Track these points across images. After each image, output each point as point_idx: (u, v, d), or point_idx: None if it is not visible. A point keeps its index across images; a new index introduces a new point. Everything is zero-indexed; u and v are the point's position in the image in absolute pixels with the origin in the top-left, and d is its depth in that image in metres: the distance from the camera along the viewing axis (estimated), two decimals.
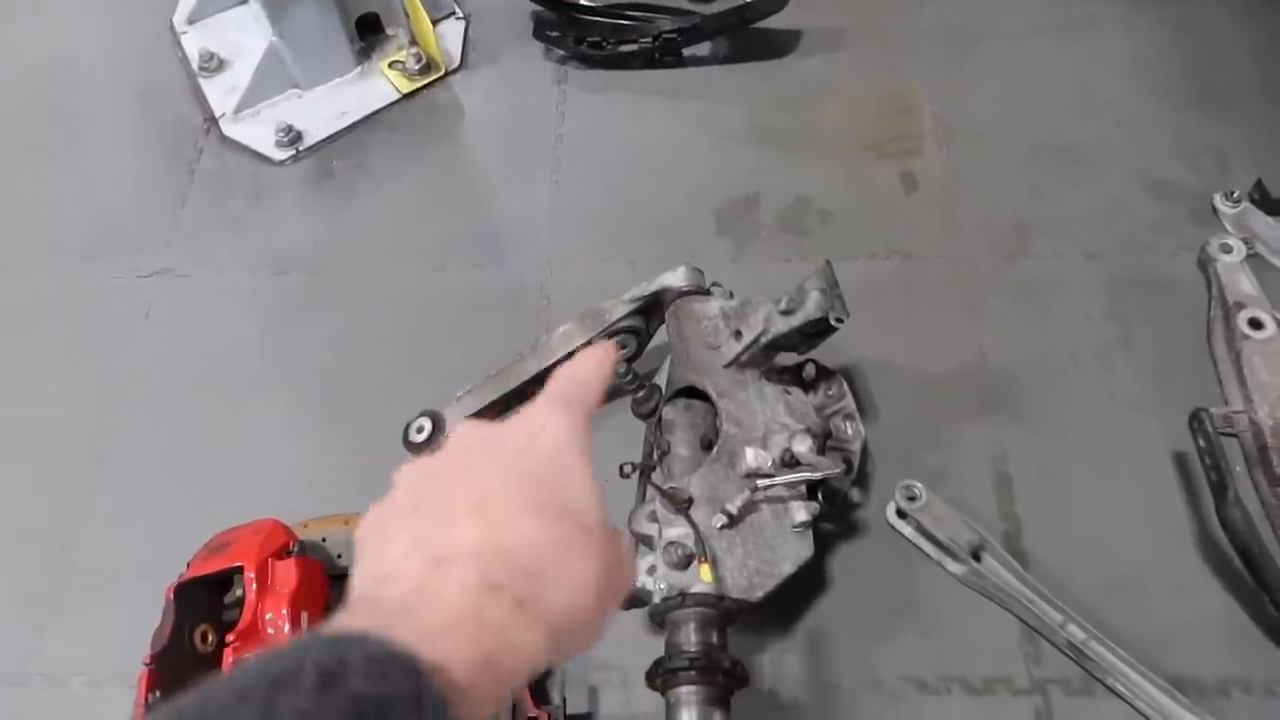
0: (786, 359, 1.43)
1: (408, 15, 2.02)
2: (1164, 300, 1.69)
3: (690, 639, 1.17)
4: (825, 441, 1.36)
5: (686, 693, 1.14)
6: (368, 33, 2.07)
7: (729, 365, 1.35)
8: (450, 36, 2.12)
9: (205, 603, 1.30)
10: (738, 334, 1.34)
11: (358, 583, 0.59)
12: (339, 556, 1.40)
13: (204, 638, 1.28)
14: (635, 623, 1.39)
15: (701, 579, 1.17)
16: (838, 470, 1.27)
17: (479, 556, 0.57)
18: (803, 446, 1.27)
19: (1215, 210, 1.77)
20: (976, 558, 1.39)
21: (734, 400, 1.33)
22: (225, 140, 1.99)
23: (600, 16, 1.98)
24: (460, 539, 0.58)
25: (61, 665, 1.44)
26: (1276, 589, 1.30)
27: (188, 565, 1.31)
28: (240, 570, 1.27)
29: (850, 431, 1.39)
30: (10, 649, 1.45)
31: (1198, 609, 1.40)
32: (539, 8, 2.02)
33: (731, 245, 1.79)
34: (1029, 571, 1.39)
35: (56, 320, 1.79)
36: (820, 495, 1.33)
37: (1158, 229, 1.77)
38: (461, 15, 2.15)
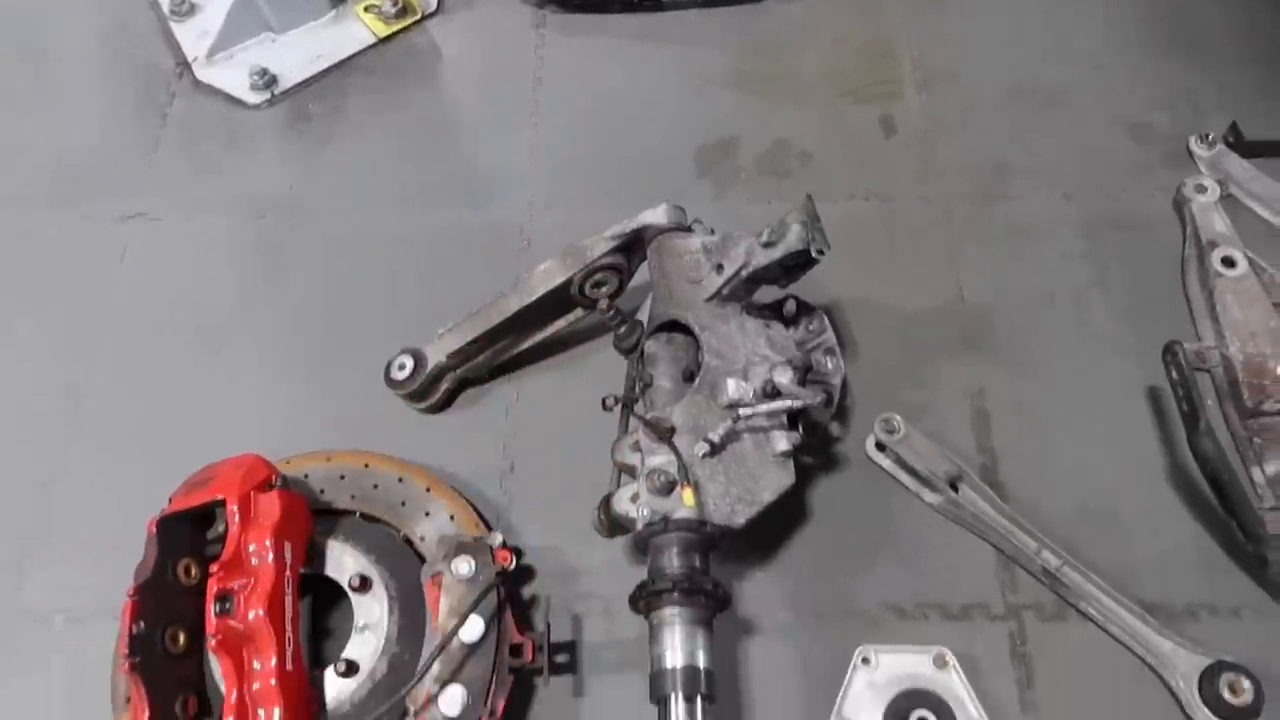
0: (767, 296, 1.44)
1: None
2: (1139, 241, 1.71)
3: (673, 563, 1.19)
4: (806, 375, 1.37)
5: (670, 614, 1.16)
6: None
7: (710, 299, 1.35)
8: None
9: (188, 537, 1.30)
10: (719, 267, 1.34)
11: None
12: (321, 492, 1.40)
13: (187, 571, 1.28)
14: (617, 553, 1.40)
15: (685, 503, 1.18)
16: (819, 400, 1.29)
17: None
18: (784, 378, 1.28)
19: (1190, 153, 1.79)
20: (954, 488, 1.41)
21: (715, 333, 1.33)
22: (198, 84, 1.96)
23: None
24: None
25: (43, 602, 1.43)
26: (1245, 517, 1.33)
27: (169, 500, 1.31)
28: (223, 504, 1.27)
29: (830, 366, 1.40)
30: None
31: (1168, 538, 1.43)
32: None
33: (711, 187, 1.79)
34: (1005, 502, 1.42)
35: (30, 264, 1.76)
36: (800, 428, 1.34)
37: (1134, 171, 1.79)
38: None
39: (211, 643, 1.19)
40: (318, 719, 1.24)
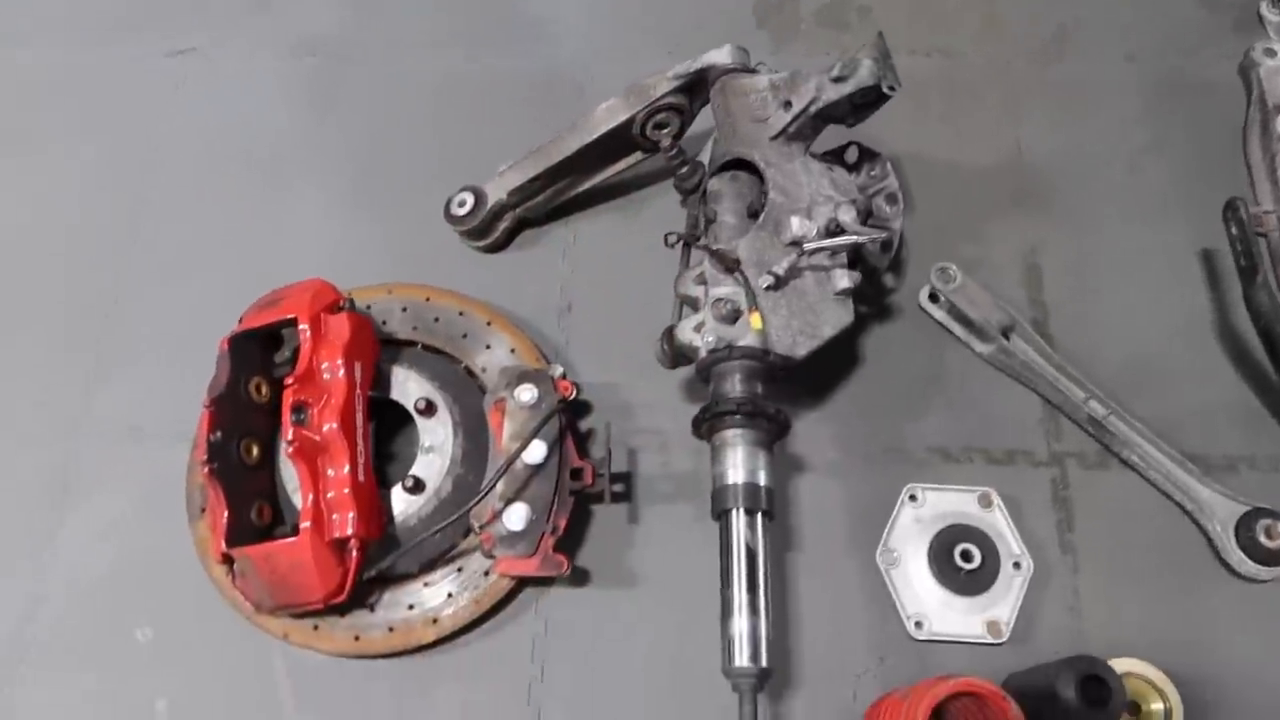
0: (829, 144, 1.43)
1: None
2: (1200, 105, 1.68)
3: (736, 388, 1.21)
4: (867, 220, 1.38)
5: (733, 435, 1.19)
6: None
7: (776, 137, 1.35)
8: None
9: (258, 356, 1.33)
10: (786, 104, 1.33)
11: None
12: (384, 323, 1.43)
13: (258, 389, 1.32)
14: (673, 389, 1.44)
15: (752, 327, 1.20)
16: (882, 236, 1.29)
17: None
18: (848, 216, 1.28)
19: (1261, 19, 1.75)
20: (1006, 336, 1.43)
21: (781, 170, 1.33)
22: None
23: None
24: None
25: (117, 419, 1.48)
26: None
27: (239, 320, 1.34)
28: (294, 323, 1.29)
29: (890, 211, 1.40)
30: (62, 408, 1.49)
31: (1212, 392, 1.46)
32: None
33: (769, 40, 1.77)
34: (1055, 353, 1.44)
35: (84, 95, 1.76)
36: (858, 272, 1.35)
37: (1201, 34, 1.75)
38: None
39: (288, 449, 1.22)
40: (386, 529, 1.30)
